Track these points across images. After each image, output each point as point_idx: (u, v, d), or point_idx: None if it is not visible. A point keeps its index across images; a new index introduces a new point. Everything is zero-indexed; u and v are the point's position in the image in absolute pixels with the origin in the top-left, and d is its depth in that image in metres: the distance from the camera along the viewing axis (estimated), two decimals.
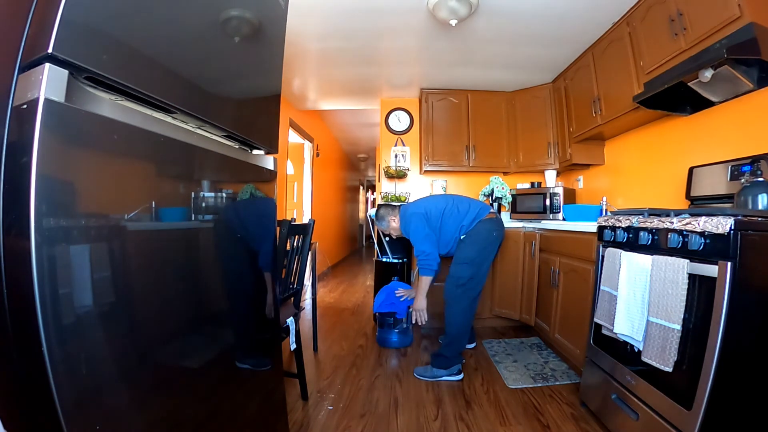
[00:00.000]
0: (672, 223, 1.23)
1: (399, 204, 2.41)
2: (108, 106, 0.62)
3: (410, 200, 3.58)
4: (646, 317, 1.26)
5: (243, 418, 1.00)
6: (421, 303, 2.21)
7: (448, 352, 2.07)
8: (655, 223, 1.31)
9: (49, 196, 0.52)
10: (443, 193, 3.66)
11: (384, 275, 3.01)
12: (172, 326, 0.78)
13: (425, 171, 3.50)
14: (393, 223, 2.35)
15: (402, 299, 2.48)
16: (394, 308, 2.51)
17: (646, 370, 1.29)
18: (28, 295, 0.50)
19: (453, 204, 2.21)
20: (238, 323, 1.04)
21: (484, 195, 3.44)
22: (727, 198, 1.64)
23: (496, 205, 3.34)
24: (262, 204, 1.14)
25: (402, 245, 3.22)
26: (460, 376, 2.06)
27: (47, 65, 0.52)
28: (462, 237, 2.15)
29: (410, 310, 2.41)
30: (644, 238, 1.35)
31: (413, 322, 2.32)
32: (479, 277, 2.11)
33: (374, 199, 9.45)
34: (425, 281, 2.16)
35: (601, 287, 1.52)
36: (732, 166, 1.62)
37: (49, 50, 0.52)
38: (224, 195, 0.96)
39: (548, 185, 3.19)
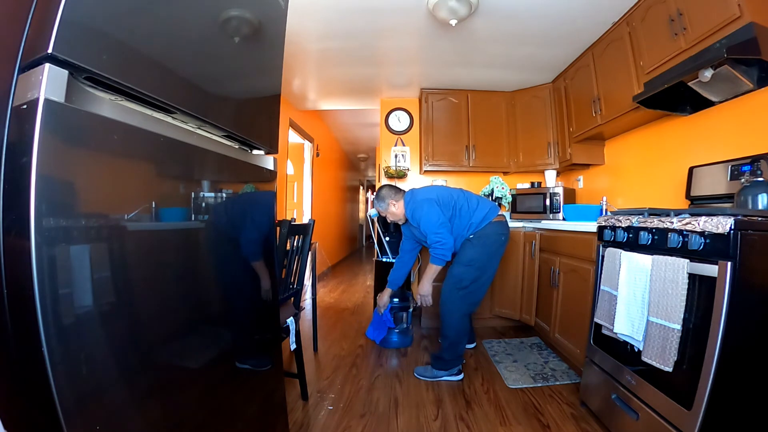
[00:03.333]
0: (672, 223, 1.23)
1: (404, 190, 2.23)
2: (108, 106, 0.62)
3: None
4: (646, 317, 1.26)
5: (243, 418, 1.00)
6: (426, 288, 2.14)
7: (447, 355, 2.04)
8: (655, 223, 1.31)
9: (49, 196, 0.52)
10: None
11: (384, 275, 3.00)
12: (172, 326, 0.78)
13: (425, 171, 3.50)
14: (392, 208, 2.15)
15: (382, 312, 2.46)
16: (384, 325, 2.54)
17: (646, 370, 1.29)
18: (28, 295, 0.50)
19: (464, 198, 2.09)
20: (238, 323, 1.04)
21: (484, 195, 3.44)
22: (727, 198, 1.64)
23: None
24: (258, 195, 1.14)
25: None
26: (461, 377, 2.06)
27: (47, 65, 0.52)
28: (470, 236, 2.03)
29: (395, 307, 2.46)
30: (644, 237, 1.35)
31: (418, 304, 2.26)
32: (482, 281, 2.03)
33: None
34: (435, 269, 2.06)
35: (601, 287, 1.52)
36: (732, 166, 1.62)
37: (49, 50, 0.52)
38: (224, 195, 0.96)
39: (548, 185, 3.19)
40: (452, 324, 2.02)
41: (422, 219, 2.00)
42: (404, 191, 2.21)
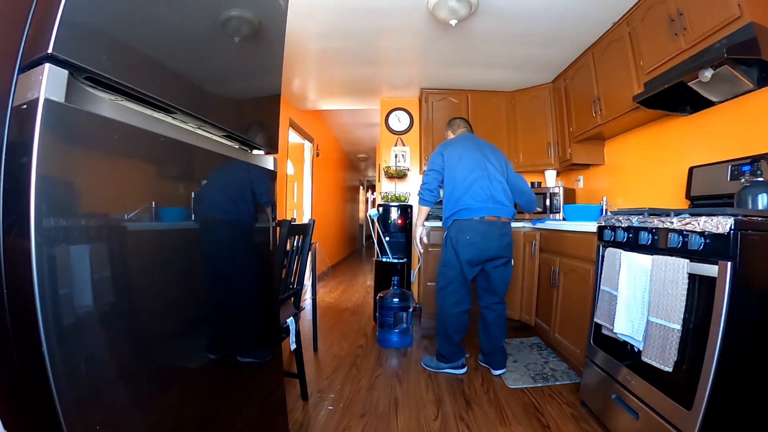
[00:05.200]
0: (672, 222, 1.23)
1: (452, 138, 2.31)
2: (108, 106, 0.62)
3: (410, 200, 3.58)
4: (646, 317, 1.26)
5: (243, 418, 1.00)
6: (415, 232, 2.35)
7: (440, 349, 2.14)
8: (655, 222, 1.31)
9: (49, 196, 0.52)
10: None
11: (384, 275, 3.01)
12: (171, 326, 0.78)
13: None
14: (448, 136, 2.39)
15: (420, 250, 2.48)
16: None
17: (646, 370, 1.29)
18: (28, 295, 0.50)
19: (464, 179, 2.04)
20: (238, 323, 1.04)
21: None
22: (727, 198, 1.64)
23: None
24: (256, 193, 1.14)
25: (402, 245, 3.22)
26: (464, 370, 2.12)
27: (47, 65, 0.52)
28: (446, 229, 2.14)
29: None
30: (644, 237, 1.35)
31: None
32: (458, 283, 2.06)
33: (374, 199, 9.45)
34: (419, 209, 2.23)
35: (601, 287, 1.52)
36: (732, 166, 1.62)
37: (49, 50, 0.52)
38: (224, 195, 0.96)
39: (548, 185, 3.19)
40: (439, 320, 2.14)
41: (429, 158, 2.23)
42: (465, 131, 2.36)
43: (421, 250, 2.43)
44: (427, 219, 2.38)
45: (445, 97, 3.42)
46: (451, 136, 2.37)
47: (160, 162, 0.75)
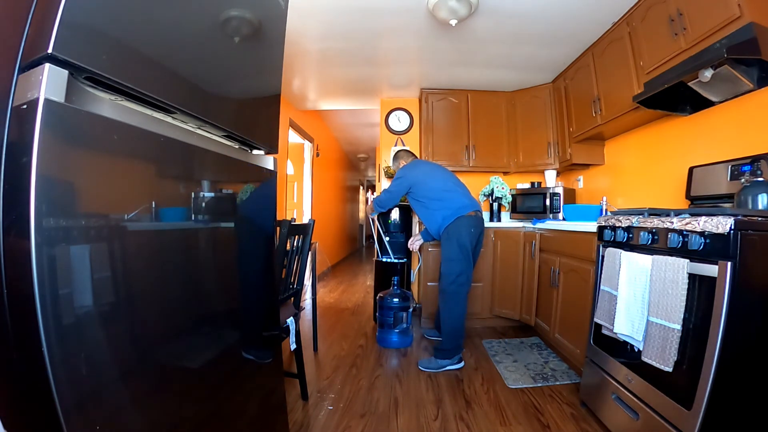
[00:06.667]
0: (672, 222, 1.23)
1: (412, 161, 2.64)
2: (108, 106, 0.62)
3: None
4: (646, 317, 1.26)
5: (243, 418, 1.00)
6: (368, 211, 2.83)
7: (449, 344, 2.20)
8: (655, 222, 1.31)
9: (49, 196, 0.52)
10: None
11: (384, 275, 3.01)
12: (171, 326, 0.78)
13: None
14: (400, 165, 2.65)
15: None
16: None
17: (646, 370, 1.29)
18: (28, 295, 0.50)
19: (448, 189, 2.36)
20: (238, 323, 1.04)
21: (484, 195, 3.44)
22: (727, 198, 1.64)
23: (496, 205, 3.34)
24: (258, 195, 1.14)
25: (402, 245, 3.22)
26: (461, 364, 2.20)
27: (47, 65, 0.52)
28: (443, 230, 2.31)
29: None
30: (644, 237, 1.35)
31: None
32: (469, 272, 2.28)
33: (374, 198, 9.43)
34: (370, 207, 2.72)
35: (601, 287, 1.52)
36: (732, 166, 1.62)
37: (49, 50, 0.52)
38: (224, 195, 0.96)
39: (548, 185, 3.19)
40: (453, 314, 2.23)
41: (392, 182, 2.53)
42: (415, 157, 2.69)
43: (373, 216, 2.87)
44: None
45: (445, 97, 3.42)
46: (403, 164, 2.63)
47: (160, 162, 0.75)
